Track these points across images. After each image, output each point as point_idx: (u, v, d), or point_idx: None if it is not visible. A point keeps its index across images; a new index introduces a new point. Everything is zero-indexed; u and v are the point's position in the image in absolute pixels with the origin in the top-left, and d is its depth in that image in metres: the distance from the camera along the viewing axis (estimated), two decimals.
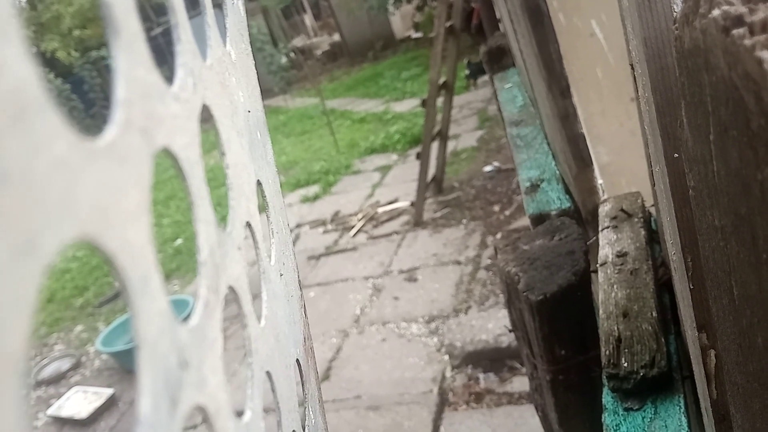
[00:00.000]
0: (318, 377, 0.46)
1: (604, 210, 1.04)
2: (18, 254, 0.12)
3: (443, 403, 2.71)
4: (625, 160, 1.33)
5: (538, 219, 1.21)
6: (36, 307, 0.12)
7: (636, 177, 1.27)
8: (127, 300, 0.17)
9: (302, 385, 0.41)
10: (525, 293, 0.93)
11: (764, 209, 0.26)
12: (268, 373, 0.32)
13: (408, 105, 7.76)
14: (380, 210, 4.92)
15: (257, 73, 0.41)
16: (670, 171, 0.46)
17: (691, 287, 0.49)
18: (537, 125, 1.68)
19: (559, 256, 0.98)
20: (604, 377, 0.72)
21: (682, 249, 0.48)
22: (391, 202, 5.01)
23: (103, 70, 13.00)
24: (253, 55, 0.39)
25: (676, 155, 0.43)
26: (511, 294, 1.03)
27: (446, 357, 2.98)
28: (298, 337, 0.41)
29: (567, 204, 1.22)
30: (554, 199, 1.26)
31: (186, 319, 0.21)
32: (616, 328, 0.76)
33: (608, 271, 0.87)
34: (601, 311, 0.81)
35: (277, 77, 11.21)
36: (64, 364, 4.17)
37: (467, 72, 6.58)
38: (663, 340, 0.72)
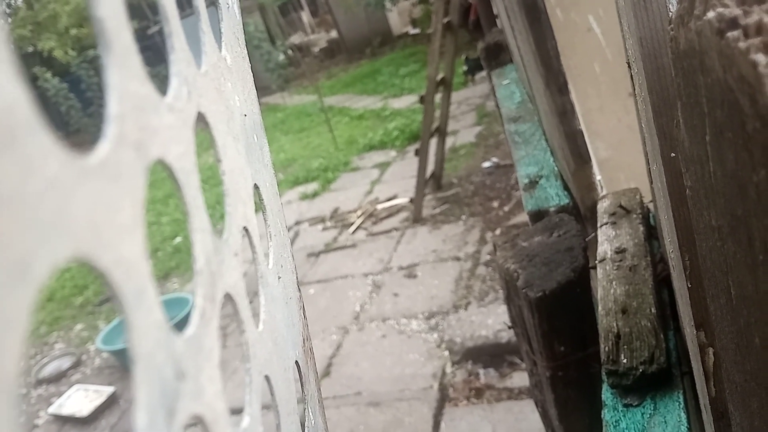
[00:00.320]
0: (317, 377, 0.46)
1: (602, 206, 1.04)
2: (10, 276, 0.12)
3: (443, 398, 2.72)
4: (623, 155, 1.33)
5: (537, 215, 1.21)
6: (29, 328, 0.12)
7: (634, 173, 1.27)
8: (122, 314, 0.16)
9: (301, 386, 0.41)
10: (524, 290, 0.93)
11: (760, 211, 0.26)
12: (267, 377, 0.32)
13: (406, 101, 7.75)
14: (379, 207, 4.92)
15: (254, 70, 0.41)
16: (667, 170, 0.46)
17: (689, 286, 0.49)
18: (535, 121, 1.68)
19: (558, 252, 0.98)
20: (604, 373, 0.72)
21: (680, 248, 0.48)
22: (390, 199, 5.01)
23: (101, 68, 12.94)
24: (251, 53, 0.39)
25: (672, 155, 0.43)
26: (510, 291, 1.03)
27: (446, 353, 2.99)
28: (297, 338, 0.41)
29: (565, 200, 1.22)
30: (553, 196, 1.26)
31: (183, 320, 0.21)
32: (615, 325, 0.76)
33: (607, 268, 0.87)
34: (600, 307, 0.81)
35: (275, 75, 11.18)
36: (65, 363, 4.17)
37: (465, 68, 6.57)
38: (662, 336, 0.72)
